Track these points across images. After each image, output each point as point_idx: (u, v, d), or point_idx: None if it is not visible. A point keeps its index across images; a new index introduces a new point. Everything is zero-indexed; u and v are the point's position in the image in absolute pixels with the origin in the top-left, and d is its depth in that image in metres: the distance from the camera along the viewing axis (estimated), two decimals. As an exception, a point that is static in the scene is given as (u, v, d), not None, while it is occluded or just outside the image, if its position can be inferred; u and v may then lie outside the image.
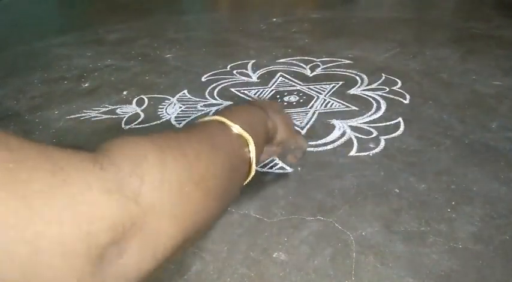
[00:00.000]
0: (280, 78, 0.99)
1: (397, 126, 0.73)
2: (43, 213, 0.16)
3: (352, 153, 0.66)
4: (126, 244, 0.19)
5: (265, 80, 0.99)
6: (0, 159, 0.15)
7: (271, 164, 0.64)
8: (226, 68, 1.08)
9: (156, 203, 0.21)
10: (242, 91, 0.93)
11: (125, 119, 0.83)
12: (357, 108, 0.81)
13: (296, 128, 0.74)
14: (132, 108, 0.88)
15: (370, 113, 0.79)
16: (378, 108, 0.81)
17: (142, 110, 0.87)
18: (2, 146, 0.16)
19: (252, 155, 0.34)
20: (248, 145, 0.34)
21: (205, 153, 0.27)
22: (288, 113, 0.50)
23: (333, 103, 0.84)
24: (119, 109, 0.88)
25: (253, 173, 0.36)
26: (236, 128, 0.33)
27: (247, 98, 0.90)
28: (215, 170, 0.27)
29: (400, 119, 0.76)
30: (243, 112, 0.38)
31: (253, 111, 0.40)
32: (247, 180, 0.36)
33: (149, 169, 0.21)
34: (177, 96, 0.92)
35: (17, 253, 0.15)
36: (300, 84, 0.94)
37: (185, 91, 0.94)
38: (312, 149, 0.68)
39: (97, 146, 0.22)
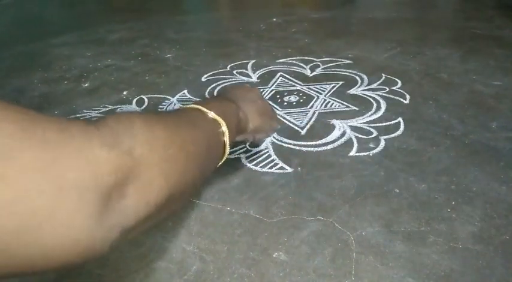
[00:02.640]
0: (280, 78, 0.99)
1: (397, 126, 0.73)
2: (59, 159, 0.19)
3: (352, 153, 0.66)
4: (126, 189, 0.23)
5: (265, 80, 0.99)
6: (19, 119, 0.19)
7: (271, 164, 0.64)
8: (226, 68, 1.08)
9: (147, 157, 0.25)
10: (242, 91, 0.93)
11: (125, 119, 0.83)
12: (357, 108, 0.81)
13: (294, 126, 0.74)
14: (132, 108, 0.88)
15: (370, 113, 0.79)
16: (378, 108, 0.81)
17: (142, 110, 0.87)
18: (19, 112, 0.19)
19: (226, 137, 0.39)
20: (222, 127, 0.39)
21: (184, 125, 0.33)
22: (264, 99, 0.55)
23: (333, 103, 0.84)
24: (119, 109, 0.88)
25: (227, 153, 0.41)
26: (211, 114, 0.38)
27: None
28: (194, 139, 0.32)
29: (400, 119, 0.76)
30: (216, 103, 0.43)
31: (225, 103, 0.45)
32: (223, 160, 0.42)
33: (138, 131, 0.25)
34: (177, 96, 0.92)
35: (44, 191, 0.18)
36: (300, 84, 0.94)
37: (185, 91, 0.95)
38: (312, 149, 0.68)
39: None
